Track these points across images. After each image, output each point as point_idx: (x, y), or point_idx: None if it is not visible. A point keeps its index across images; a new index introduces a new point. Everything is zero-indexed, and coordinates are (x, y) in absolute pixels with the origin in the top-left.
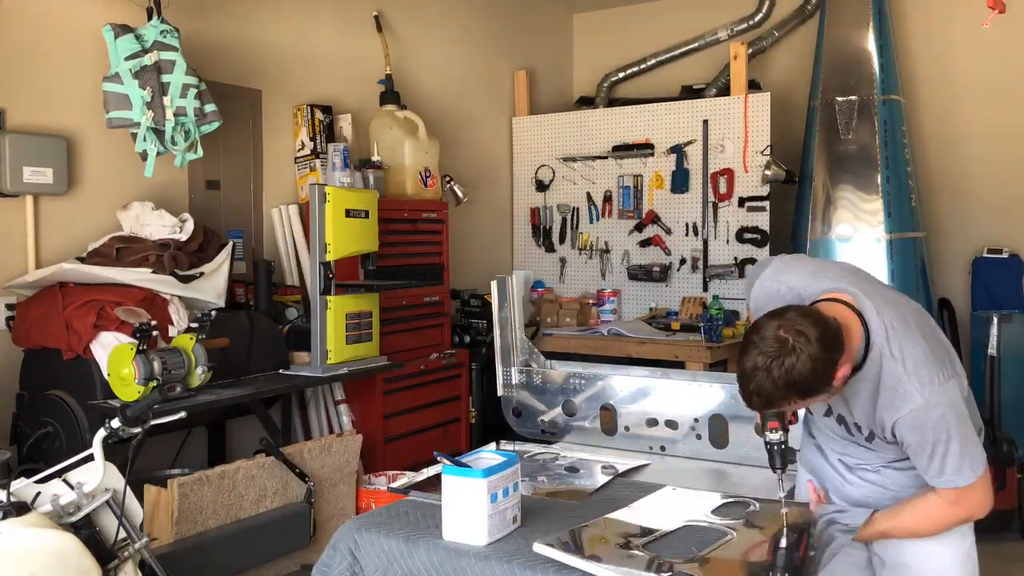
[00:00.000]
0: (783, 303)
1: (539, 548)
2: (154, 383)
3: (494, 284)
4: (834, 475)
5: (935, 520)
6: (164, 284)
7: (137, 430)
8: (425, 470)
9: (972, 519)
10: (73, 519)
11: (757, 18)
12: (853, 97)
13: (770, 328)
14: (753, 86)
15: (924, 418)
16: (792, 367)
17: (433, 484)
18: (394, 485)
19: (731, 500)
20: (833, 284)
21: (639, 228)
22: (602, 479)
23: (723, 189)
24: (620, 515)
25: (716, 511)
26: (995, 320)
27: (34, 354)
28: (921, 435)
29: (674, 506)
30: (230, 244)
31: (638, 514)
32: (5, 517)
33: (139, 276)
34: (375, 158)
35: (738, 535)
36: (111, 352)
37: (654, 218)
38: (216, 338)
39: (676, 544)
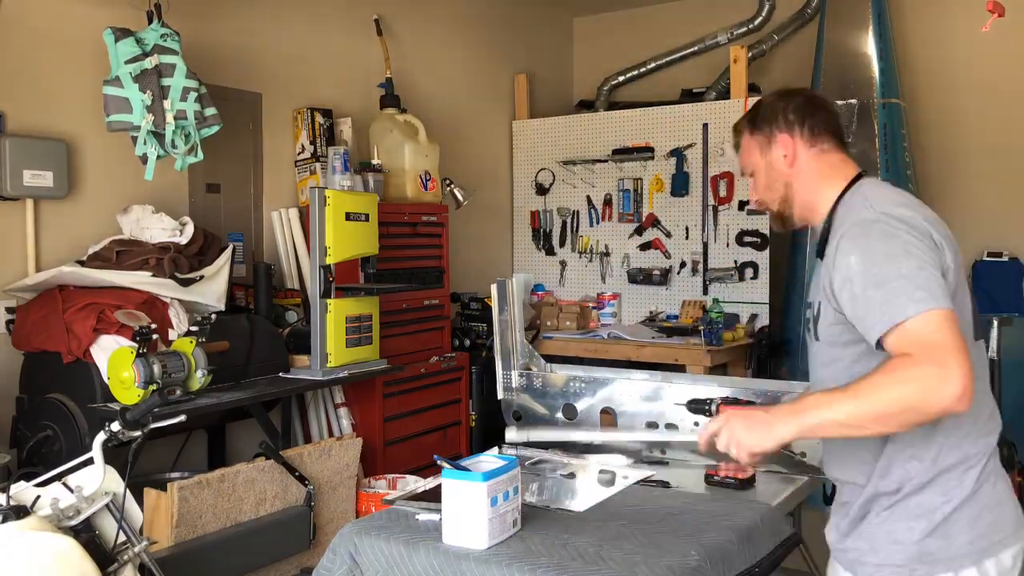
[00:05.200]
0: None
1: None
2: (154, 386)
3: (494, 287)
4: None
5: (877, 384)
6: (164, 287)
7: (137, 433)
8: (424, 481)
9: (929, 387)
10: (73, 523)
11: (757, 22)
12: (853, 101)
13: None
14: (753, 89)
15: (845, 248)
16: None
17: (434, 495)
18: (389, 497)
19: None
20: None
21: (639, 231)
22: (598, 488)
23: (723, 192)
24: None
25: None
26: (995, 323)
27: (34, 357)
28: (845, 272)
29: None
30: (230, 247)
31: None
32: (5, 520)
33: (139, 279)
34: (375, 161)
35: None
36: (111, 355)
37: (654, 221)
38: (216, 341)
39: None
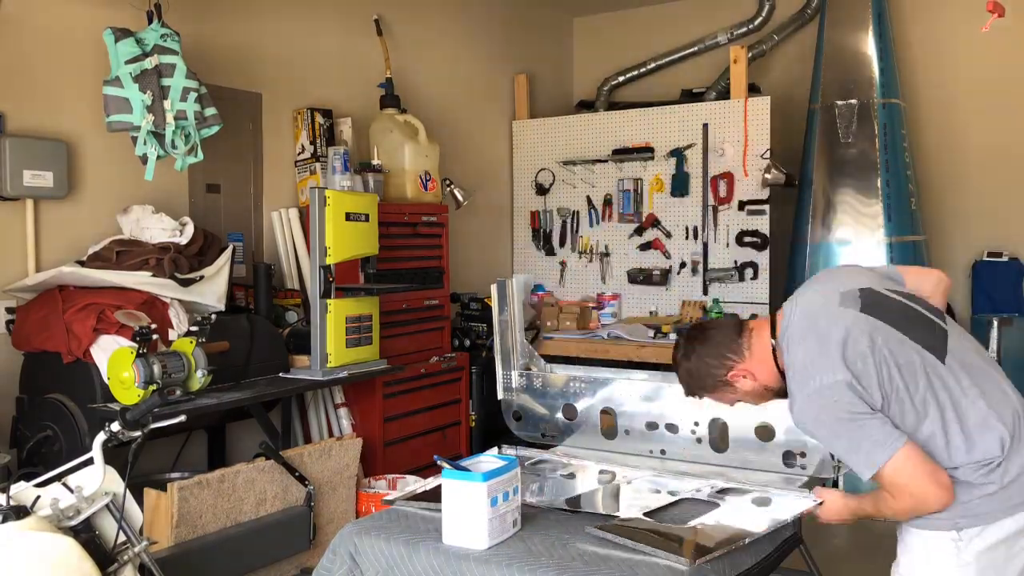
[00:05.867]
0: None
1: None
2: (154, 387)
3: (494, 287)
4: None
5: (889, 507)
6: (164, 287)
7: (137, 434)
8: (425, 482)
9: (919, 506)
10: (73, 523)
11: (757, 22)
12: (853, 101)
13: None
14: (753, 90)
15: (804, 419)
16: (681, 365)
17: (434, 495)
18: (389, 497)
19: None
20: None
21: (639, 232)
22: (599, 488)
23: (723, 192)
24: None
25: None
26: (995, 323)
27: (34, 357)
28: (816, 434)
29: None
30: (230, 247)
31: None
32: (5, 521)
33: (139, 279)
34: (375, 162)
35: (726, 505)
36: (111, 355)
37: (654, 221)
38: (216, 341)
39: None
